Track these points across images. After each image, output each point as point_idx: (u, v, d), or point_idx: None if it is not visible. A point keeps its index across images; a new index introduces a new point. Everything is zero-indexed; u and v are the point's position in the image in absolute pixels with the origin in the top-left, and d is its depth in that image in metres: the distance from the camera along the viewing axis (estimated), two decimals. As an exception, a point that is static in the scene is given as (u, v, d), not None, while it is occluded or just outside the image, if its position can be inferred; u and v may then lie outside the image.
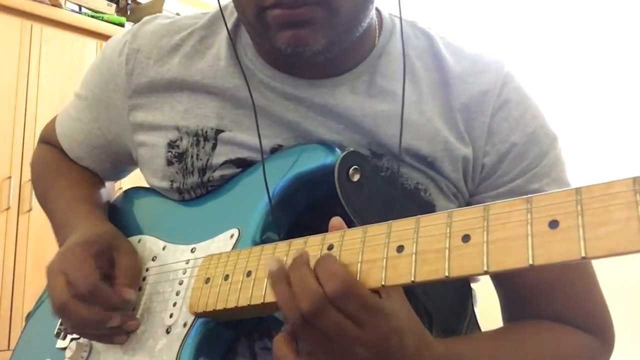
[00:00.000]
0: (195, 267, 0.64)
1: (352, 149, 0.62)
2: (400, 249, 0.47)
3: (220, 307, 0.57)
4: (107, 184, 0.88)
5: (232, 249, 0.63)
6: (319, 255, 0.51)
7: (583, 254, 0.37)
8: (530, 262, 0.39)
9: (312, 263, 0.50)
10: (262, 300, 0.53)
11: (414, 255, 0.45)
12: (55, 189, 0.83)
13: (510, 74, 0.70)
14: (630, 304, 2.02)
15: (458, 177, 0.67)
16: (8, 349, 1.91)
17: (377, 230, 0.49)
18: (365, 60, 0.68)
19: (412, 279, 0.45)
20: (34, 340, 0.79)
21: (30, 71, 2.14)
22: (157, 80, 0.72)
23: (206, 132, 0.69)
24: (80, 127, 0.81)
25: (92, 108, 0.79)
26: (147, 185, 0.78)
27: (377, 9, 0.73)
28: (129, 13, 2.56)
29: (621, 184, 0.37)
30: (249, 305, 0.55)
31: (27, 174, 2.00)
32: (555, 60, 2.58)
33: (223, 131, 0.69)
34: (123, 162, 0.83)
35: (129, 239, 0.73)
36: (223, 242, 0.64)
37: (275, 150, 0.67)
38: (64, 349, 0.70)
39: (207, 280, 0.60)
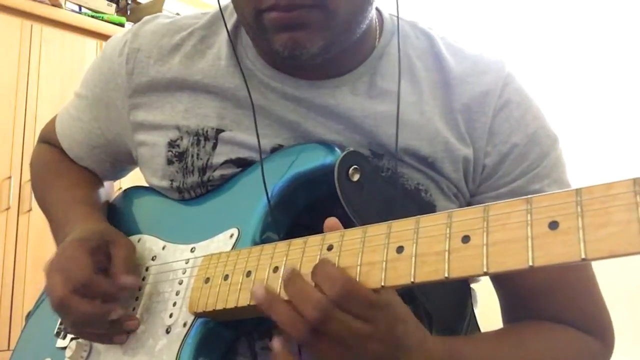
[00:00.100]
0: (195, 267, 0.64)
1: (352, 149, 0.62)
2: (400, 249, 0.47)
3: (220, 307, 0.57)
4: (106, 183, 0.87)
5: (232, 248, 0.63)
6: (318, 256, 0.51)
7: (583, 256, 0.37)
8: (530, 263, 0.39)
9: (310, 265, 0.50)
10: None
11: (413, 256, 0.45)
12: (55, 189, 0.83)
13: (511, 74, 0.70)
14: (630, 305, 2.02)
15: (459, 177, 0.67)
16: (8, 349, 1.91)
17: (377, 230, 0.49)
18: (365, 61, 0.68)
19: (412, 279, 0.45)
20: (34, 339, 0.79)
21: (30, 71, 2.14)
22: (157, 79, 0.72)
23: (207, 131, 0.69)
24: (80, 127, 0.81)
25: (92, 107, 0.79)
26: (147, 185, 0.78)
27: (377, 10, 0.73)
28: (129, 13, 2.56)
29: (621, 185, 0.37)
30: (248, 305, 0.54)
31: (27, 174, 2.00)
32: (555, 60, 2.58)
33: (223, 131, 0.69)
34: (123, 162, 0.83)
35: (129, 238, 0.73)
36: (223, 241, 0.64)
37: (275, 150, 0.67)
38: (64, 348, 0.70)
39: (207, 280, 0.60)
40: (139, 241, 0.73)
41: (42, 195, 0.86)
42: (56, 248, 0.76)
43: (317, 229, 0.54)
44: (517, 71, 0.71)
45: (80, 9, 2.38)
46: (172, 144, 0.71)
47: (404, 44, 0.69)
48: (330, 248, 0.51)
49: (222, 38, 0.72)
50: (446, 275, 0.43)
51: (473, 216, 0.44)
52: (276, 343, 0.50)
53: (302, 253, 0.53)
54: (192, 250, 0.66)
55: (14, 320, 1.95)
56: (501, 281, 0.70)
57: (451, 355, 0.55)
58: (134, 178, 0.89)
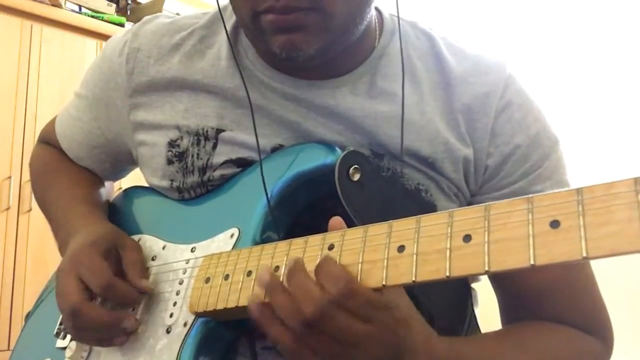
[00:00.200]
0: (195, 266, 0.64)
1: (352, 149, 0.62)
2: (401, 248, 0.47)
3: (220, 307, 0.57)
4: (107, 184, 0.87)
5: (232, 248, 0.63)
6: (319, 255, 0.51)
7: (584, 254, 0.37)
8: (532, 262, 0.39)
9: (311, 265, 0.50)
10: (263, 300, 0.53)
11: (414, 255, 0.45)
12: (55, 189, 0.83)
13: (512, 76, 0.70)
14: (630, 305, 2.02)
15: (459, 177, 0.67)
16: (8, 349, 1.91)
17: (377, 230, 0.49)
18: (365, 62, 0.68)
19: (413, 278, 0.45)
20: (34, 339, 0.79)
21: (30, 71, 2.14)
22: (157, 79, 0.72)
23: (207, 131, 0.69)
24: (80, 127, 0.81)
25: (92, 107, 0.79)
26: (147, 185, 0.78)
27: (378, 10, 0.73)
28: (129, 13, 2.56)
29: (622, 184, 0.37)
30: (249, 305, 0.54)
31: (27, 174, 2.00)
32: (555, 61, 2.58)
33: (224, 130, 0.69)
34: (123, 162, 0.83)
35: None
36: (223, 241, 0.64)
37: (276, 149, 0.67)
38: (64, 348, 0.70)
39: (208, 280, 0.60)
40: (139, 241, 0.73)
41: (41, 195, 0.86)
42: (58, 248, 0.76)
43: (318, 229, 0.54)
44: (517, 72, 0.71)
45: (80, 9, 2.38)
46: (172, 144, 0.71)
47: (404, 44, 0.69)
48: (331, 247, 0.51)
49: (222, 38, 0.72)
50: (447, 274, 0.43)
51: (474, 215, 0.44)
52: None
53: (303, 253, 0.53)
54: (192, 250, 0.66)
55: (14, 320, 1.95)
56: (501, 281, 0.70)
57: (454, 356, 0.55)
58: (134, 178, 0.89)
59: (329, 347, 0.48)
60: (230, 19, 0.72)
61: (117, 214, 0.81)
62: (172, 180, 0.71)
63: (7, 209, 2.01)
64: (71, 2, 2.34)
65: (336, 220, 0.53)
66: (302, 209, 0.66)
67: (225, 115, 0.69)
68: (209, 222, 0.68)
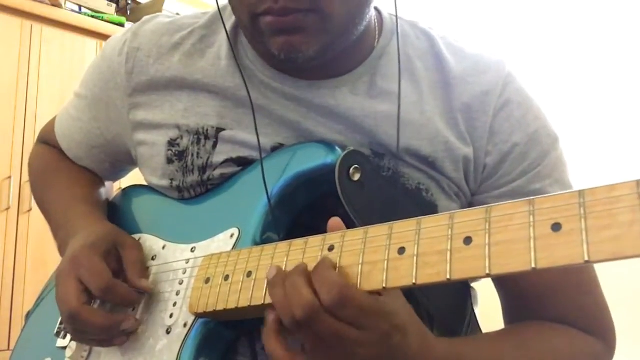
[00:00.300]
0: (195, 267, 0.64)
1: (352, 148, 0.62)
2: (401, 250, 0.46)
3: (220, 307, 0.57)
4: (106, 183, 0.87)
5: (233, 248, 0.62)
6: (319, 257, 0.51)
7: (586, 258, 0.37)
8: (533, 265, 0.39)
9: (311, 267, 0.50)
10: (263, 302, 0.53)
11: (415, 258, 0.45)
12: (55, 188, 0.82)
13: (511, 74, 0.70)
14: (632, 306, 2.02)
15: (459, 177, 0.67)
16: (8, 349, 1.91)
17: (378, 231, 0.49)
18: (365, 61, 0.68)
19: (414, 281, 0.45)
20: (34, 339, 0.79)
21: (30, 71, 2.14)
22: (157, 78, 0.72)
23: (207, 130, 0.69)
24: (80, 127, 0.81)
25: (91, 107, 0.79)
26: (146, 184, 0.78)
27: (377, 10, 0.73)
28: (129, 13, 2.56)
29: (625, 186, 0.37)
30: (249, 306, 0.54)
31: (27, 174, 1.99)
32: (556, 60, 2.58)
33: (224, 129, 0.69)
34: (122, 162, 0.83)
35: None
36: (223, 241, 0.64)
37: (276, 149, 0.67)
38: (64, 348, 0.70)
39: (207, 281, 0.60)
40: (139, 240, 0.73)
41: (41, 195, 0.86)
42: (57, 248, 0.75)
43: (318, 229, 0.54)
44: (517, 71, 0.71)
45: (80, 9, 2.37)
46: (172, 143, 0.71)
47: (404, 44, 0.69)
48: (331, 248, 0.51)
49: (222, 37, 0.72)
50: (448, 277, 0.43)
51: (475, 217, 0.43)
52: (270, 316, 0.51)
53: (303, 253, 0.53)
54: (192, 250, 0.66)
55: (14, 320, 1.95)
56: (503, 282, 0.70)
57: (454, 358, 0.55)
58: (134, 178, 0.89)
59: (316, 345, 0.48)
60: (230, 19, 0.72)
61: (117, 213, 0.81)
62: (172, 180, 0.71)
63: (7, 209, 2.01)
64: (71, 2, 2.34)
65: (335, 220, 0.53)
66: (302, 209, 0.65)
67: (226, 115, 0.69)
68: (209, 222, 0.68)
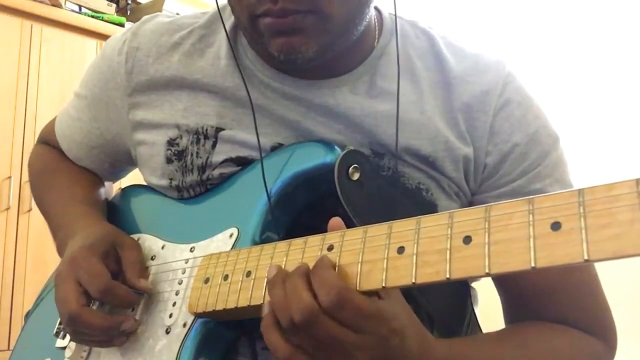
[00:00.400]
0: (194, 266, 0.64)
1: (352, 148, 0.62)
2: (401, 250, 0.46)
3: (220, 307, 0.57)
4: (106, 184, 0.87)
5: (232, 248, 0.62)
6: (318, 256, 0.51)
7: (586, 257, 0.37)
8: (533, 264, 0.39)
9: (311, 266, 0.49)
10: (262, 301, 0.53)
11: (414, 257, 0.45)
12: (54, 188, 0.82)
13: (511, 74, 0.70)
14: (633, 306, 2.02)
15: (459, 176, 0.67)
16: (8, 349, 1.91)
17: (377, 230, 0.49)
18: (365, 61, 0.68)
19: (413, 280, 0.45)
20: (34, 339, 0.79)
21: (30, 71, 2.14)
22: (157, 78, 0.72)
23: (206, 130, 0.69)
24: (80, 127, 0.81)
25: (91, 107, 0.79)
26: (145, 184, 0.78)
27: (377, 9, 0.73)
28: (129, 13, 2.56)
29: (624, 185, 0.37)
30: (248, 305, 0.54)
31: (27, 174, 1.99)
32: (556, 60, 2.57)
33: (223, 129, 0.69)
34: (122, 162, 0.83)
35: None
36: (222, 241, 0.64)
37: (275, 148, 0.67)
38: (64, 348, 0.70)
39: (207, 280, 0.60)
40: (138, 240, 0.73)
41: (40, 195, 0.86)
42: (56, 248, 0.75)
43: (317, 229, 0.54)
44: (517, 71, 0.71)
45: (80, 9, 2.38)
46: (171, 143, 0.71)
47: (404, 43, 0.69)
48: (330, 248, 0.51)
49: (222, 37, 0.72)
50: (448, 276, 0.43)
51: (474, 216, 0.43)
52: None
53: (303, 253, 0.53)
54: (191, 250, 0.66)
55: (14, 320, 1.95)
56: (503, 281, 0.70)
57: (453, 359, 0.55)
58: (134, 178, 0.89)
59: (317, 352, 0.48)
60: (230, 19, 0.72)
61: (116, 213, 0.80)
62: (171, 179, 0.71)
63: (7, 209, 2.01)
64: (71, 2, 2.34)
65: (336, 220, 0.53)
66: (301, 209, 0.65)
67: (225, 114, 0.69)
68: (208, 222, 0.67)
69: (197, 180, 0.70)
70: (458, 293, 0.69)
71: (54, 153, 0.87)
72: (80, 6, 2.38)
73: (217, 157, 0.69)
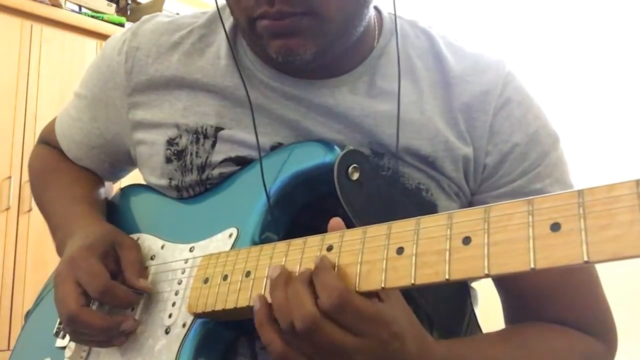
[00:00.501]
0: (194, 266, 0.63)
1: (351, 147, 0.62)
2: (400, 250, 0.46)
3: (219, 307, 0.57)
4: (106, 184, 0.87)
5: (231, 248, 0.62)
6: (318, 256, 0.51)
7: (585, 258, 0.37)
8: (532, 265, 0.39)
9: (310, 267, 0.49)
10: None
11: (414, 257, 0.45)
12: (54, 188, 0.82)
13: (511, 73, 0.70)
14: (633, 306, 2.02)
15: (459, 176, 0.67)
16: (8, 349, 1.91)
17: (377, 231, 0.49)
18: (365, 61, 0.68)
19: (412, 281, 0.44)
20: (34, 339, 0.79)
21: (30, 71, 2.14)
22: (156, 77, 0.72)
23: (206, 129, 0.69)
24: (80, 127, 0.81)
25: (91, 107, 0.79)
26: (145, 184, 0.78)
27: (377, 9, 0.73)
28: (129, 13, 2.56)
29: (624, 186, 0.37)
30: (248, 306, 0.54)
31: (27, 174, 1.99)
32: (556, 60, 2.57)
33: (223, 129, 0.69)
34: (122, 162, 0.83)
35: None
36: (222, 241, 0.64)
37: (275, 148, 0.67)
38: (64, 348, 0.70)
39: (206, 280, 0.60)
40: (137, 240, 0.73)
41: (40, 194, 0.86)
42: (55, 248, 0.75)
43: (317, 229, 0.54)
44: (517, 70, 0.71)
45: (80, 9, 2.37)
46: (171, 142, 0.71)
47: (404, 43, 0.69)
48: (329, 248, 0.51)
49: (222, 37, 0.72)
50: (447, 277, 0.42)
51: (474, 217, 0.43)
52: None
53: (302, 253, 0.53)
54: (191, 250, 0.66)
55: (14, 320, 1.95)
56: (503, 282, 0.70)
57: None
58: (134, 178, 0.89)
59: (316, 355, 0.48)
60: (229, 19, 0.72)
61: (115, 213, 0.80)
62: (170, 179, 0.71)
63: (7, 209, 2.01)
64: (71, 2, 2.34)
65: (336, 220, 0.53)
66: (301, 209, 0.65)
67: (225, 114, 0.69)
68: (208, 222, 0.67)
69: (197, 179, 0.70)
70: (457, 293, 0.69)
71: (54, 153, 0.87)
72: (80, 6, 2.37)
73: (217, 156, 0.68)
